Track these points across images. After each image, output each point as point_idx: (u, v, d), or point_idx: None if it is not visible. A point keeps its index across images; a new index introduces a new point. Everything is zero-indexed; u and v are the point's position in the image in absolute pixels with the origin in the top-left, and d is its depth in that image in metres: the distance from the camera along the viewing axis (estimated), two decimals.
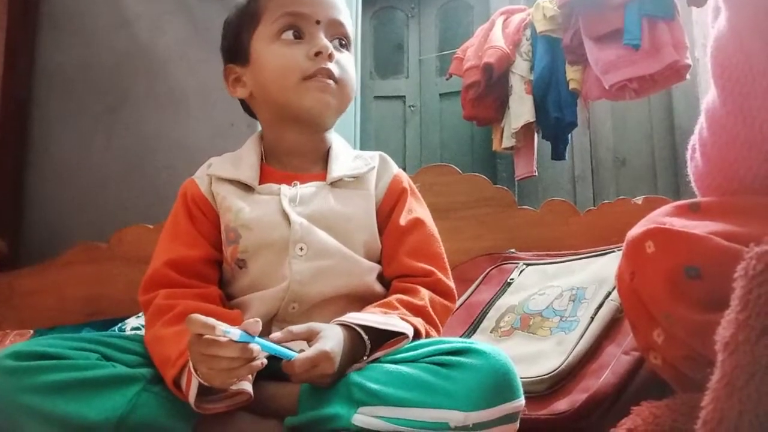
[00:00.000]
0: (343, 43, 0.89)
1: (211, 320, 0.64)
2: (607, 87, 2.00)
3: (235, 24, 0.91)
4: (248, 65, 0.89)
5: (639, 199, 1.30)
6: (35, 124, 1.71)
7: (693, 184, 0.70)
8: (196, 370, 0.67)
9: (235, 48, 0.90)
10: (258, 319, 0.66)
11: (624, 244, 0.61)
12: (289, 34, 0.85)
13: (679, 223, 0.57)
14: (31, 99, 1.72)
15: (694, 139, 0.70)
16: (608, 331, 0.91)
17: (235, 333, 0.64)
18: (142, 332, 0.82)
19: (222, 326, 0.64)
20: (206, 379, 0.67)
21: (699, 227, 0.55)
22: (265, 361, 0.68)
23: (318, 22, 0.85)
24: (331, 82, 0.84)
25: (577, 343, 0.91)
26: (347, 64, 0.87)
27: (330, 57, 0.84)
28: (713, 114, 0.64)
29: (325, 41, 0.84)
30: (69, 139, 1.70)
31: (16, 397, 0.69)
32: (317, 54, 0.83)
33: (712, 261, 0.53)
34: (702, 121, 0.68)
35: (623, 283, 0.62)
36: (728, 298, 0.51)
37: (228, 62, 0.92)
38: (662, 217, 0.60)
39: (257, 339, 0.66)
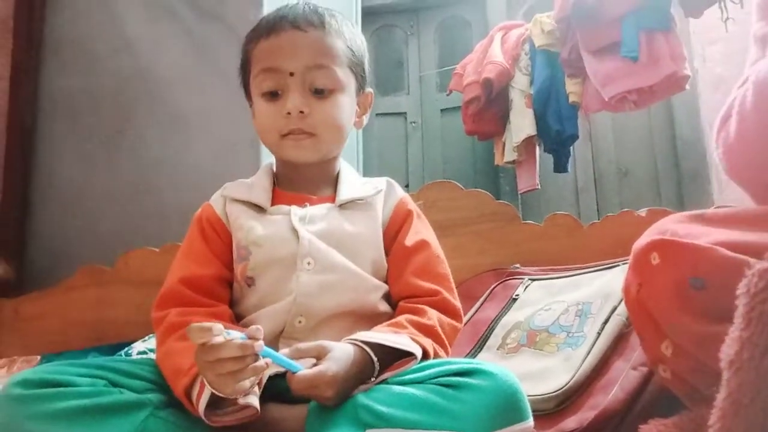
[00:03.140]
0: (324, 89, 0.87)
1: (208, 324, 0.66)
2: (606, 99, 2.01)
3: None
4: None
5: (643, 212, 1.30)
6: (40, 149, 1.73)
7: (719, 159, 0.68)
8: (206, 379, 0.68)
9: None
10: (260, 327, 0.68)
11: (630, 255, 0.60)
12: (267, 92, 0.88)
13: (684, 232, 0.57)
14: (35, 124, 1.73)
15: (725, 110, 0.67)
16: (615, 346, 0.91)
17: (235, 335, 0.66)
18: (149, 356, 0.82)
19: (220, 327, 0.65)
20: (215, 387, 0.68)
21: (704, 235, 0.55)
22: (270, 361, 0.69)
23: (292, 74, 0.86)
24: (303, 137, 0.87)
25: (585, 359, 0.90)
26: (325, 111, 0.87)
27: (302, 113, 0.85)
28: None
29: (294, 101, 0.85)
30: (73, 163, 1.71)
31: (25, 426, 0.69)
32: (289, 113, 0.85)
33: (716, 272, 0.53)
34: (748, 90, 0.64)
35: (630, 296, 0.61)
36: (734, 308, 0.51)
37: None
38: (668, 225, 0.60)
39: (264, 349, 0.68)
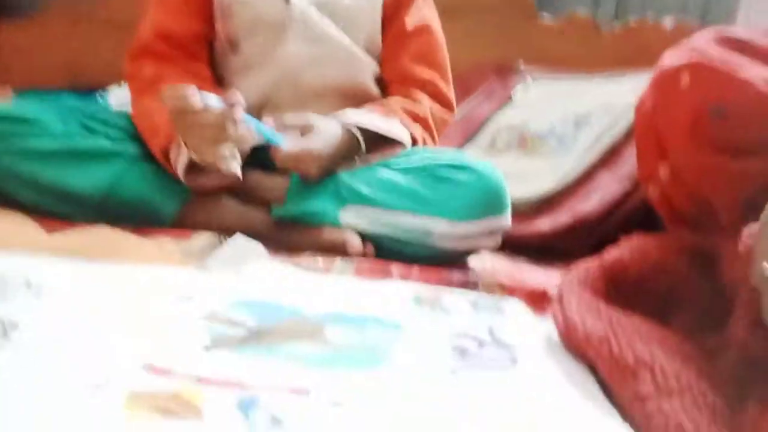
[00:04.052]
0: None
1: (182, 87, 0.63)
2: None
3: None
4: None
5: (668, 22, 1.20)
6: None
7: None
8: (185, 144, 0.67)
9: None
10: (239, 93, 0.65)
11: (656, 69, 0.55)
12: None
13: (720, 57, 0.52)
14: None
15: None
16: (605, 158, 0.90)
17: (213, 100, 0.63)
18: (127, 108, 0.80)
19: (195, 90, 0.62)
20: (195, 151, 0.66)
21: (743, 68, 0.50)
22: (253, 129, 0.67)
23: None
24: None
25: (572, 167, 0.90)
26: None
27: None
28: None
29: None
30: None
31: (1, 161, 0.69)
32: None
33: (744, 105, 0.50)
34: None
35: (643, 111, 0.58)
36: (747, 144, 0.49)
37: None
38: (701, 45, 0.54)
39: (247, 117, 0.65)
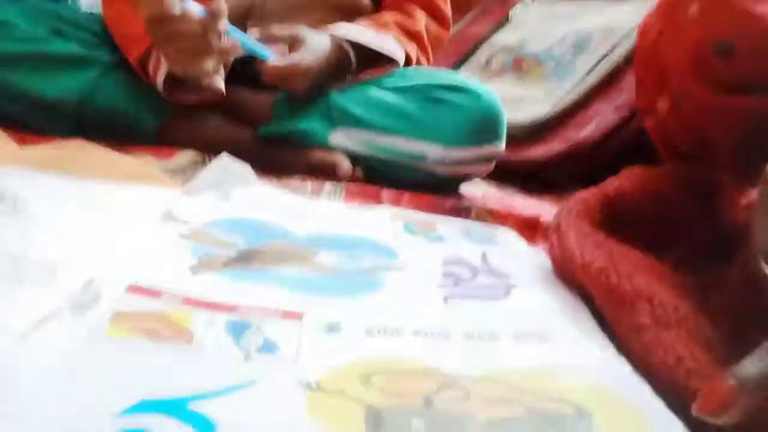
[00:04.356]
0: None
1: None
2: None
3: None
4: None
5: None
6: None
7: None
8: (164, 55, 0.62)
9: None
10: (222, 2, 0.59)
11: None
12: None
13: None
14: None
15: None
16: (603, 86, 0.87)
17: (193, 7, 0.58)
18: (99, 11, 0.74)
19: None
20: (175, 63, 0.62)
21: (756, 1, 0.47)
22: (237, 42, 0.62)
23: None
24: None
25: (568, 93, 0.87)
26: None
27: None
28: None
29: None
30: None
31: None
32: None
33: (752, 41, 0.47)
34: None
35: (646, 40, 0.55)
36: (749, 82, 0.47)
37: None
38: None
39: (231, 28, 0.61)
